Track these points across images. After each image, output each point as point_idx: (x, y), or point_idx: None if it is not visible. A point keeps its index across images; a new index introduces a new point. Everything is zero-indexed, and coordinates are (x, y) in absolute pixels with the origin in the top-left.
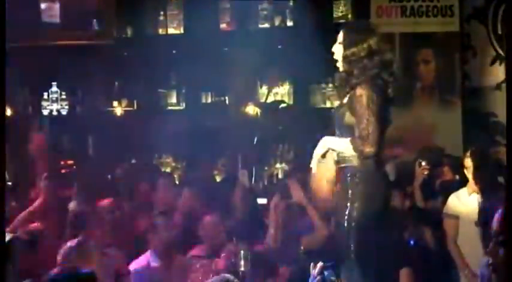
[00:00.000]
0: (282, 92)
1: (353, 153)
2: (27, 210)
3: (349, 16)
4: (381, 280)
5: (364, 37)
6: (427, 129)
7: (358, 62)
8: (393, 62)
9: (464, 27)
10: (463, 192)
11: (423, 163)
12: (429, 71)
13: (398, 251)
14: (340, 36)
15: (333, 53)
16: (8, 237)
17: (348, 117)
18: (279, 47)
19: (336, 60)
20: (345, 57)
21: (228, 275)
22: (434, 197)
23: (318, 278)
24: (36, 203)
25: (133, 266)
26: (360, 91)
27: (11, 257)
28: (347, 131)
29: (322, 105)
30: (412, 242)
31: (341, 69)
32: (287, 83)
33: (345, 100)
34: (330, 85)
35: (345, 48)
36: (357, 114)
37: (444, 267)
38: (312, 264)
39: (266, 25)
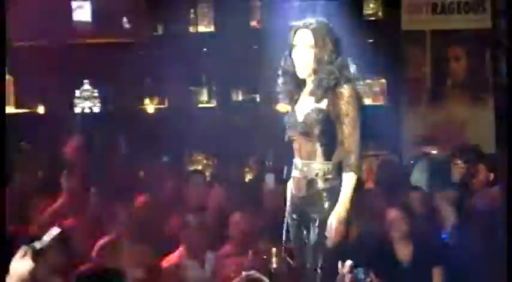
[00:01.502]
0: None
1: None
2: (52, 207)
3: (380, 13)
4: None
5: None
6: (459, 127)
7: (334, 62)
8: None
9: (495, 24)
10: None
11: (459, 161)
12: (460, 69)
13: (432, 251)
14: (309, 40)
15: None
16: (54, 232)
17: (329, 123)
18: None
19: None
20: (320, 62)
21: (257, 273)
22: (470, 195)
23: (349, 276)
24: (60, 201)
25: (165, 263)
26: (346, 92)
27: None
28: (328, 137)
29: None
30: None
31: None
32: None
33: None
34: (361, 82)
35: (319, 52)
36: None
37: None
38: (340, 262)
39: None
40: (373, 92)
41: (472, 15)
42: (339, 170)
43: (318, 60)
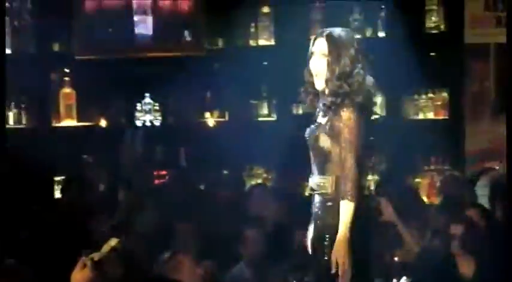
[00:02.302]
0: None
1: None
2: (111, 221)
3: (442, 26)
4: None
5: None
6: None
7: (345, 78)
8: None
9: None
10: None
11: None
12: None
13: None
14: (324, 48)
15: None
16: (112, 242)
17: (324, 141)
18: (371, 57)
19: (316, 76)
20: (332, 73)
21: None
22: None
23: None
24: (119, 214)
25: (227, 277)
26: (346, 113)
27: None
28: (322, 154)
29: (415, 117)
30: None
31: (329, 86)
32: (379, 94)
33: (322, 120)
34: (423, 96)
35: (332, 62)
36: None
37: None
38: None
39: (358, 36)
40: (435, 105)
41: None
42: (335, 185)
43: (330, 71)
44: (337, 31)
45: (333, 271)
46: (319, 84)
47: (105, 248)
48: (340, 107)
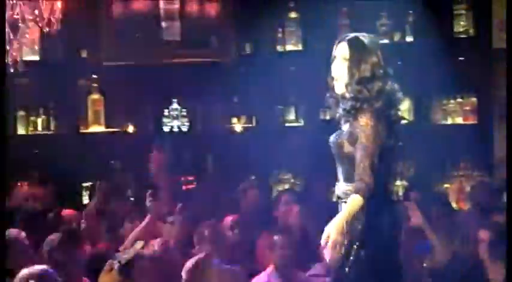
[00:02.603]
0: (403, 108)
1: None
2: (139, 227)
3: (471, 31)
4: None
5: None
6: None
7: (365, 83)
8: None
9: None
10: None
11: None
12: None
13: None
14: (345, 52)
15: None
16: (138, 245)
17: (347, 148)
18: (399, 62)
19: (336, 80)
20: (351, 77)
21: None
22: None
23: None
24: (145, 221)
25: None
26: (363, 119)
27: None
28: (347, 161)
29: (443, 122)
30: None
31: (349, 90)
32: (407, 99)
33: (345, 127)
34: (452, 101)
35: (352, 66)
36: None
37: None
38: None
39: (385, 41)
40: (464, 110)
41: None
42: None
43: (350, 75)
44: (360, 36)
45: (322, 243)
46: (339, 88)
47: (131, 251)
48: (359, 112)
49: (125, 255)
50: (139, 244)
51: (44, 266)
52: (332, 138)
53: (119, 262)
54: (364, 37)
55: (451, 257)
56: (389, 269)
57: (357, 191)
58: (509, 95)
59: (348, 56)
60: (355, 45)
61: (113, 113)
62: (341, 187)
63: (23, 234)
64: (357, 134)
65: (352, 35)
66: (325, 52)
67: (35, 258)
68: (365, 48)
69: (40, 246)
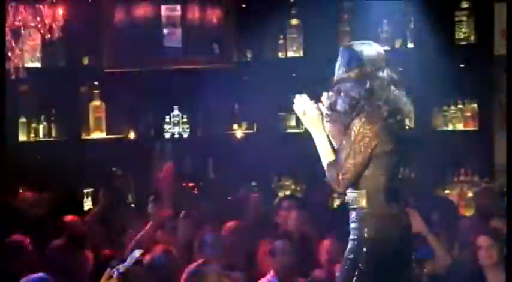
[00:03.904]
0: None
1: None
2: (140, 234)
3: (472, 37)
4: None
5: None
6: None
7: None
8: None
9: None
10: None
11: None
12: None
13: None
14: (340, 58)
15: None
16: (137, 253)
17: None
18: (400, 69)
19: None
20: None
21: None
22: None
23: None
24: (148, 226)
25: None
26: (354, 121)
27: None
28: None
29: (444, 128)
30: None
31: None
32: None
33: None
34: (453, 107)
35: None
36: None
37: None
38: None
39: (387, 47)
40: (465, 117)
41: None
42: (368, 199)
43: (338, 80)
44: (358, 44)
45: None
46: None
47: (130, 260)
48: (353, 116)
49: (123, 263)
50: (138, 252)
51: (41, 274)
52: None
53: (118, 270)
54: (364, 45)
55: (452, 263)
56: (393, 271)
57: (328, 179)
58: (509, 100)
59: (339, 62)
60: (347, 52)
61: (114, 119)
62: (349, 194)
63: (28, 240)
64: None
65: (352, 43)
66: (326, 58)
67: (38, 263)
68: (353, 56)
69: (43, 252)
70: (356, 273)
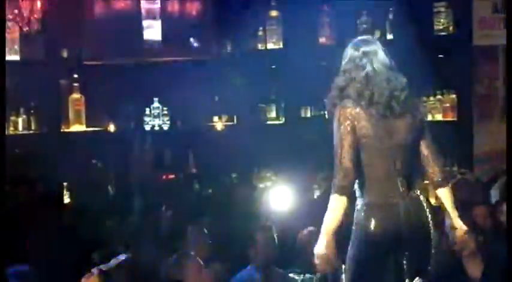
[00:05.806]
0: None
1: None
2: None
3: (450, 29)
4: None
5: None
6: None
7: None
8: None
9: None
10: None
11: None
12: None
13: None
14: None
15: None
16: (121, 257)
17: None
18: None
19: None
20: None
21: None
22: None
23: None
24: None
25: (234, 279)
26: (337, 109)
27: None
28: None
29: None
30: None
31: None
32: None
33: None
34: (432, 98)
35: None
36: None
37: None
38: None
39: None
40: (444, 107)
41: None
42: (366, 188)
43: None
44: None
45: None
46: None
47: (114, 261)
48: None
49: (106, 264)
50: (122, 256)
51: (23, 266)
52: None
53: (100, 269)
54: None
55: (434, 253)
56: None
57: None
58: (508, 93)
59: None
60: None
61: (93, 112)
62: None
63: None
64: None
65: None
66: (306, 50)
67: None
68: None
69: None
70: (354, 261)
